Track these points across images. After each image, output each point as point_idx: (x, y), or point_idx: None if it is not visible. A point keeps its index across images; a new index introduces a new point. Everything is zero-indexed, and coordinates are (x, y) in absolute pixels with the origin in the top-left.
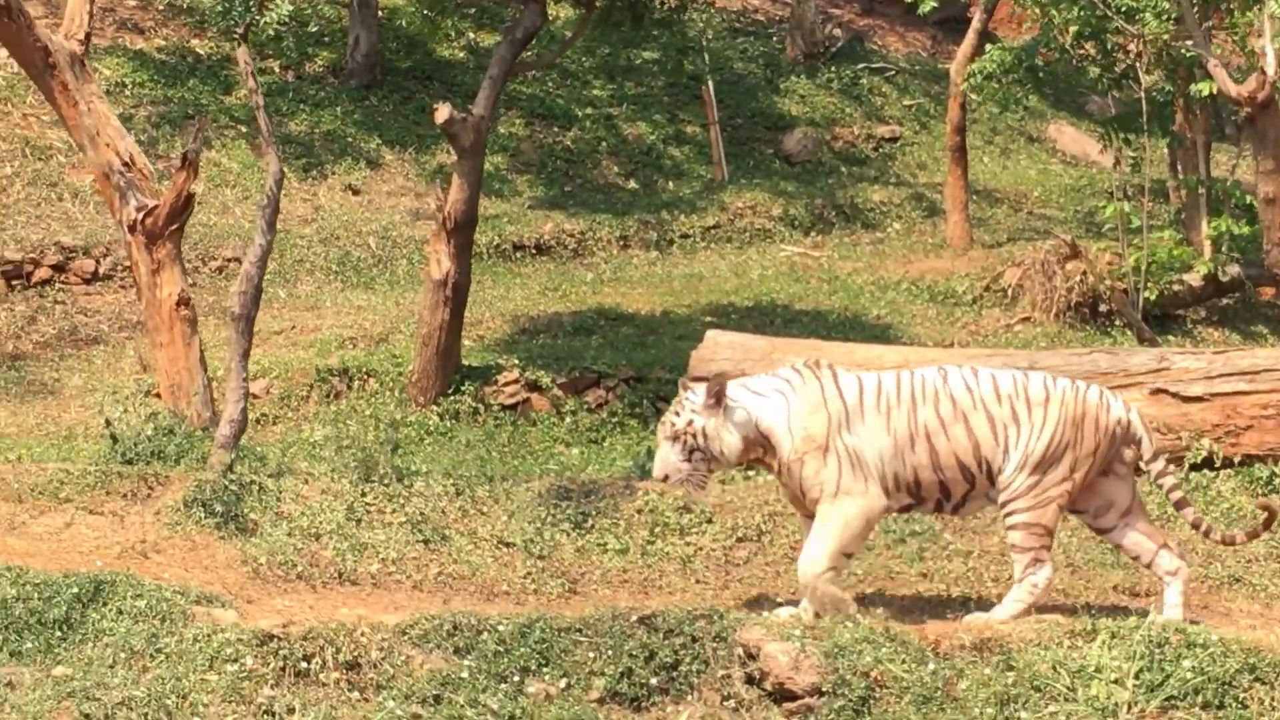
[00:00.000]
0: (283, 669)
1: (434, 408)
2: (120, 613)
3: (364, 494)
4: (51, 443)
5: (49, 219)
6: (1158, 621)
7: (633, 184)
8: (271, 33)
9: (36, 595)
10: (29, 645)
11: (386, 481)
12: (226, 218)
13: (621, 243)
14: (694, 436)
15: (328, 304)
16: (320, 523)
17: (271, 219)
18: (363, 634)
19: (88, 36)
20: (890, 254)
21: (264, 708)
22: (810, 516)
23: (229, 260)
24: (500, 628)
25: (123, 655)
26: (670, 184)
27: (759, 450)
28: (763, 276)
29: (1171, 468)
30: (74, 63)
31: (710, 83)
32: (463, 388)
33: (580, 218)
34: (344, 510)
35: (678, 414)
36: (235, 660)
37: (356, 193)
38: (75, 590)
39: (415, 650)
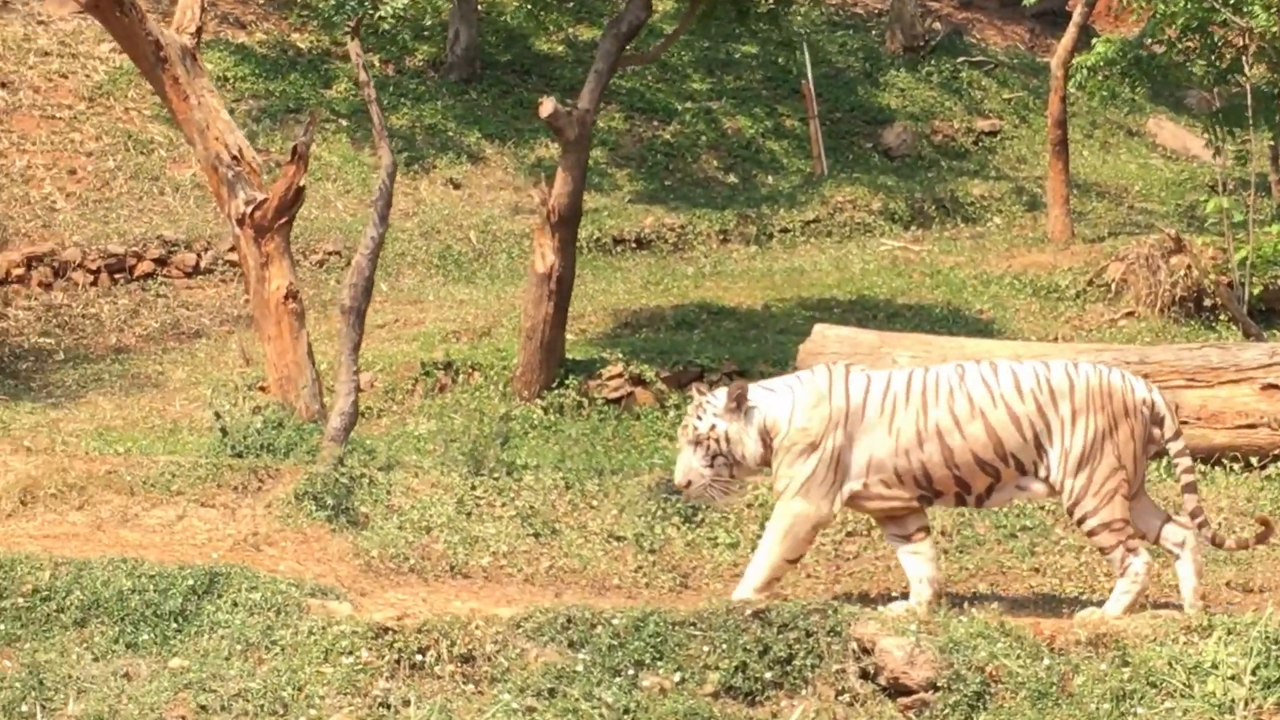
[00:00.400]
0: (398, 662)
1: (538, 401)
2: (235, 605)
3: (474, 487)
4: (158, 435)
5: (151, 213)
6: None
7: (732, 178)
8: (386, 27)
9: (152, 587)
10: (145, 637)
11: (496, 475)
12: (328, 211)
13: (721, 237)
14: (717, 441)
15: (430, 297)
16: (431, 516)
17: (384, 212)
18: (477, 627)
19: (199, 30)
20: (991, 248)
21: (379, 700)
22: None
23: (330, 254)
24: (614, 621)
25: (238, 647)
26: (769, 178)
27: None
28: (864, 271)
29: (1188, 450)
30: (185, 56)
31: (810, 77)
32: (566, 381)
33: (680, 212)
34: (454, 504)
35: (699, 418)
36: (350, 653)
37: (457, 186)
38: (191, 582)
39: (529, 643)
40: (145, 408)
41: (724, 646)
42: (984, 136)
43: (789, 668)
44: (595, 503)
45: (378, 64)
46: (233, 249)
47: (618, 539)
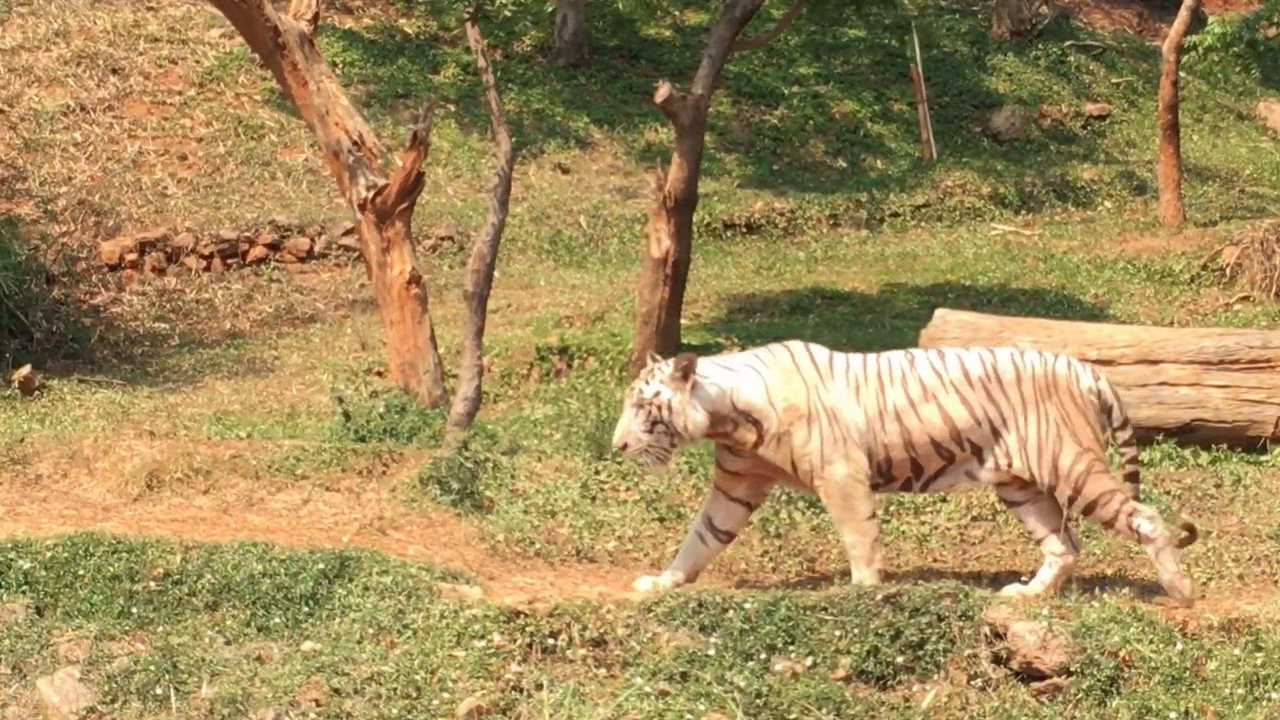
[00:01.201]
0: (529, 646)
1: None
2: (366, 589)
3: (597, 472)
4: (276, 420)
5: (262, 198)
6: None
7: (840, 162)
8: (507, 14)
9: (283, 571)
10: (276, 620)
11: (619, 460)
12: (438, 196)
13: (831, 221)
14: (658, 408)
15: (541, 282)
16: (555, 500)
17: (504, 198)
18: (609, 611)
19: (316, 16)
20: (1103, 232)
21: (511, 684)
22: (742, 500)
23: (442, 239)
24: (746, 605)
25: (370, 631)
26: (878, 162)
27: (729, 426)
28: (977, 255)
29: (1135, 440)
30: (303, 42)
31: (919, 60)
32: None
33: (789, 196)
34: (578, 488)
35: (646, 383)
36: (482, 637)
37: (566, 171)
38: (321, 566)
39: (661, 627)
40: (262, 392)
41: (855, 631)
42: (1092, 120)
43: (920, 652)
44: None
45: (487, 50)
46: (347, 234)
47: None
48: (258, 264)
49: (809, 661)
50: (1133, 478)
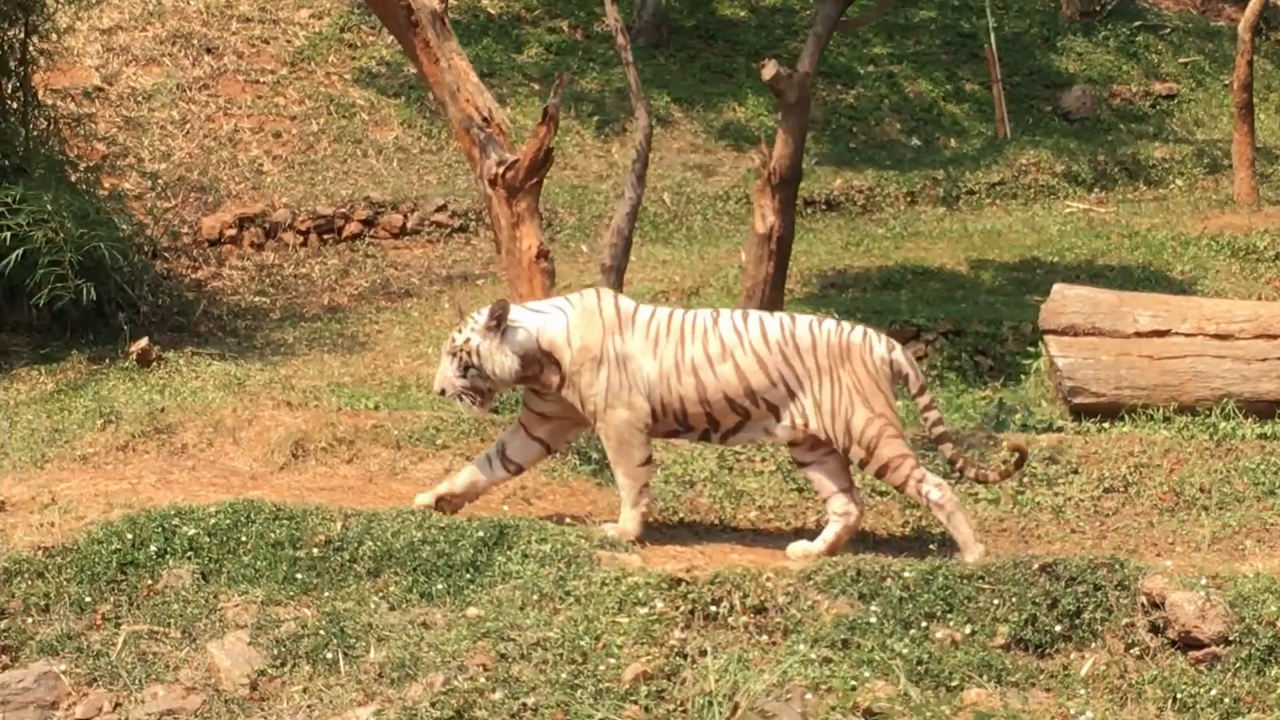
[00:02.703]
0: (691, 613)
1: None
2: (525, 556)
3: None
4: (388, 392)
5: (355, 174)
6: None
7: (915, 141)
8: None
9: (443, 538)
10: (439, 587)
11: None
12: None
13: (909, 199)
14: (469, 354)
15: (631, 258)
16: (693, 470)
17: (640, 173)
18: (769, 579)
19: None
20: (1176, 210)
21: (676, 650)
22: (542, 440)
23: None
24: (904, 575)
25: (533, 597)
26: (952, 141)
27: (536, 368)
28: (1061, 232)
29: (936, 404)
30: (435, 20)
31: (993, 40)
32: None
33: (867, 174)
34: (714, 458)
35: (459, 332)
36: (645, 604)
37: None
38: (481, 534)
39: (821, 595)
40: (370, 365)
41: (1013, 600)
42: (1161, 100)
43: (1078, 621)
44: None
45: (566, 29)
46: (439, 210)
47: (881, 494)
48: (353, 240)
49: (967, 629)
50: (943, 438)
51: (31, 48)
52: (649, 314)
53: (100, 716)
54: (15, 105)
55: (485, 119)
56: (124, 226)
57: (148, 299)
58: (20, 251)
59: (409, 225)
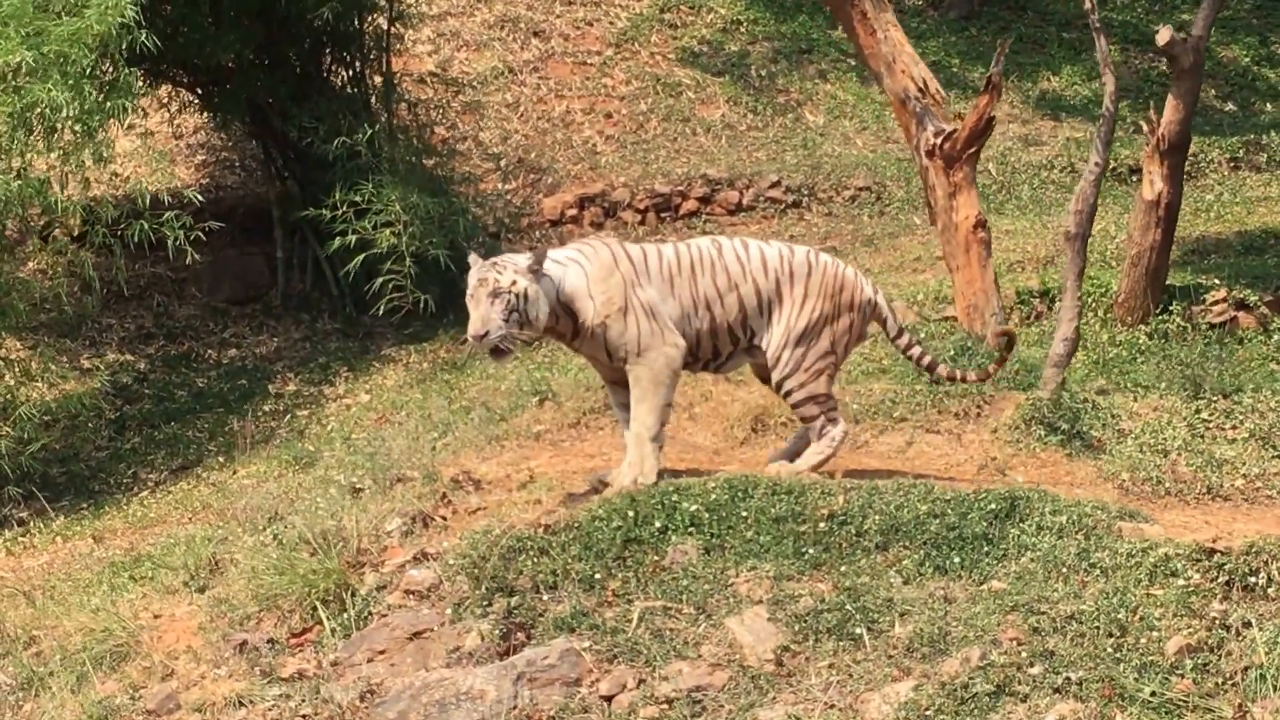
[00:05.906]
0: (1228, 584)
1: (1142, 328)
2: (1040, 528)
3: (1197, 410)
4: None
5: (686, 153)
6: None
7: (1230, 106)
8: None
9: (951, 511)
10: (955, 560)
11: (1214, 398)
12: (849, 148)
13: (1232, 164)
14: (516, 296)
15: None
16: (1165, 439)
17: (1107, 138)
18: None
19: None
20: None
21: (1217, 622)
22: (615, 381)
23: (860, 189)
24: None
25: (1056, 570)
26: (1268, 106)
27: (553, 319)
28: None
29: (916, 339)
30: None
31: None
32: (1170, 308)
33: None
34: (1185, 427)
35: (500, 273)
36: (1178, 575)
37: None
38: (993, 506)
39: None
40: None
41: None
42: None
43: None
44: None
45: None
46: (773, 186)
47: None
48: (690, 217)
49: None
50: (932, 366)
51: (392, 33)
52: (656, 255)
53: (625, 693)
54: (375, 94)
55: (921, 90)
56: (476, 210)
57: None
58: (363, 257)
59: (744, 201)
